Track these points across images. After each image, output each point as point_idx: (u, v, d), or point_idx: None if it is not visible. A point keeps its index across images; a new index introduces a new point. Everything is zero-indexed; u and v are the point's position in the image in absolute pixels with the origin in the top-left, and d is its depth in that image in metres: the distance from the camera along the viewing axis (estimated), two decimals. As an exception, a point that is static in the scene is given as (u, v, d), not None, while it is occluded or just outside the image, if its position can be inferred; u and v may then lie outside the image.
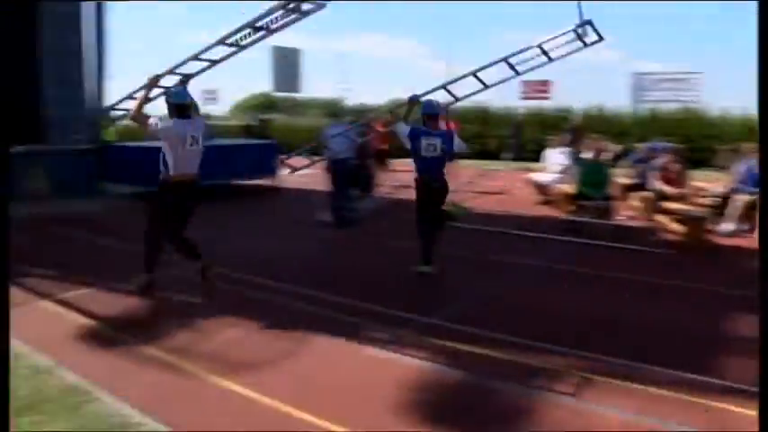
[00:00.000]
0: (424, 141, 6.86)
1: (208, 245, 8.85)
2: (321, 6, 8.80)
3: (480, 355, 4.93)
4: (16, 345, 4.95)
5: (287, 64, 28.66)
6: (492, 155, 23.54)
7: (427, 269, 6.97)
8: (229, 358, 4.82)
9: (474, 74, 10.67)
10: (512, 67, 10.43)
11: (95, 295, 6.40)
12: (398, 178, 14.61)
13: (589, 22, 9.59)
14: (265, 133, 20.58)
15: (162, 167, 6.12)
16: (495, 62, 10.41)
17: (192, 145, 6.11)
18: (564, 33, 9.85)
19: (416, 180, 7.00)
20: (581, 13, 9.45)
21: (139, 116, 6.12)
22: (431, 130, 6.93)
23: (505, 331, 5.37)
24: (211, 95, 29.28)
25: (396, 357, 4.88)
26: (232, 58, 9.64)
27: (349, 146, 10.41)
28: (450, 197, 7.17)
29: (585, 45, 9.91)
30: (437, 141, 6.87)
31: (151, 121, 6.06)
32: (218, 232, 9.76)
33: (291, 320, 5.66)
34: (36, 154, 12.69)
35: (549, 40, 10.04)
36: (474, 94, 11.08)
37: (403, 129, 7.00)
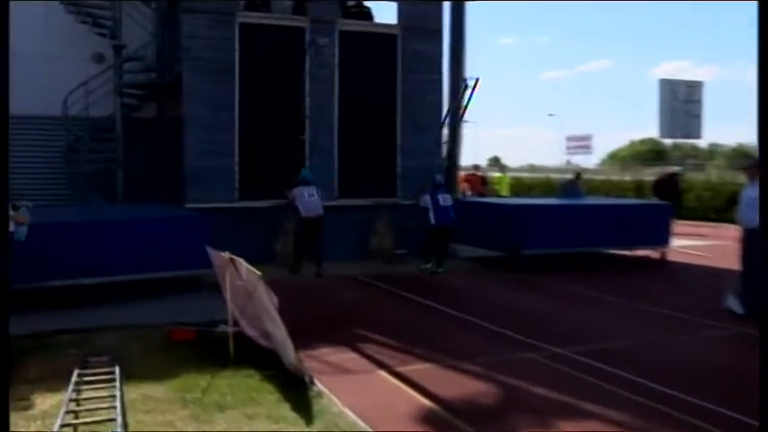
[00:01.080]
0: (440, 197, 13.17)
1: (568, 324, 8.97)
2: None
3: None
4: (353, 418, 5.52)
5: (681, 102, 27.73)
6: None
7: (432, 268, 13.08)
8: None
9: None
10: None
11: (436, 372, 6.85)
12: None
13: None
14: (673, 190, 18.71)
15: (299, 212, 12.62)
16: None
17: (310, 197, 12.70)
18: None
19: (434, 224, 13.09)
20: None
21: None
22: (442, 191, 13.39)
23: None
24: (582, 144, 29.70)
25: None
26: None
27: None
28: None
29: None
30: (449, 196, 13.46)
31: (289, 194, 12.78)
32: (586, 311, 9.70)
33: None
34: (384, 208, 14.43)
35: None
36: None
37: (425, 199, 13.21)
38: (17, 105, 9.05)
